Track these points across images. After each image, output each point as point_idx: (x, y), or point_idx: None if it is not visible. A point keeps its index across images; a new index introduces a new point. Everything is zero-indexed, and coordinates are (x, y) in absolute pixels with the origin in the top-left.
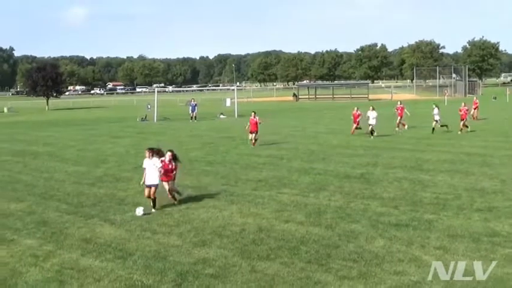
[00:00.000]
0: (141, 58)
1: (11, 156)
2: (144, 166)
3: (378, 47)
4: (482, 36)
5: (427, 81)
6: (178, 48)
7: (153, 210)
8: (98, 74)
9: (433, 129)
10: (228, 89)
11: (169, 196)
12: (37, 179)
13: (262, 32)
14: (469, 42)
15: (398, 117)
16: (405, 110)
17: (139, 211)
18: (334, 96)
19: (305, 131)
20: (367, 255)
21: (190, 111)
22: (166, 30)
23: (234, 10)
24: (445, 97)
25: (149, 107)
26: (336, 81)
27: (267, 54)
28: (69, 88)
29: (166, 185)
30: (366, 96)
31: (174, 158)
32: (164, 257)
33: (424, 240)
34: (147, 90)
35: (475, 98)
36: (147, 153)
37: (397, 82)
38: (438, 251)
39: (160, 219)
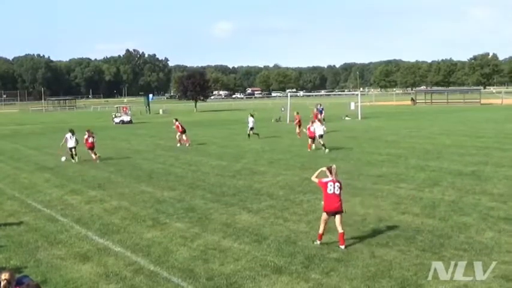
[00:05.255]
0: (276, 67)
1: (165, 151)
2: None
3: (489, 56)
4: None
5: None
6: (309, 57)
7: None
8: (238, 80)
9: (249, 135)
10: (353, 94)
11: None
12: (186, 171)
13: (384, 43)
14: None
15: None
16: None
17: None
18: (449, 100)
19: (421, 131)
20: (477, 246)
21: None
22: (298, 41)
23: (358, 23)
24: None
25: (283, 109)
26: (450, 87)
27: (388, 62)
28: (214, 93)
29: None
30: (478, 101)
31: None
32: (294, 241)
33: None
34: (281, 94)
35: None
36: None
37: (507, 88)
38: None
39: (291, 209)
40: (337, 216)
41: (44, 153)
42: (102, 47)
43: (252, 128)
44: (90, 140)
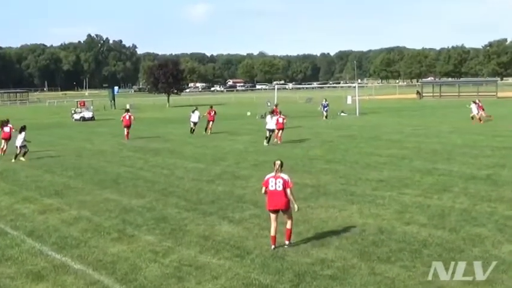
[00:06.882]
0: (261, 55)
1: (133, 152)
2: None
3: (507, 43)
4: None
5: None
6: (299, 44)
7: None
8: (218, 71)
9: (192, 130)
10: (349, 86)
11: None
12: (157, 175)
13: (385, 28)
14: None
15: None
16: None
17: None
18: (460, 94)
19: (428, 129)
20: (494, 261)
21: (323, 111)
22: (286, 26)
23: (356, 5)
24: None
25: (269, 104)
26: (462, 79)
27: (390, 50)
28: (189, 85)
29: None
30: (494, 94)
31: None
32: (282, 256)
33: None
34: (267, 87)
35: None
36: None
37: None
38: None
39: (279, 218)
40: (286, 214)
41: None
42: (59, 31)
43: (195, 123)
44: (6, 129)
